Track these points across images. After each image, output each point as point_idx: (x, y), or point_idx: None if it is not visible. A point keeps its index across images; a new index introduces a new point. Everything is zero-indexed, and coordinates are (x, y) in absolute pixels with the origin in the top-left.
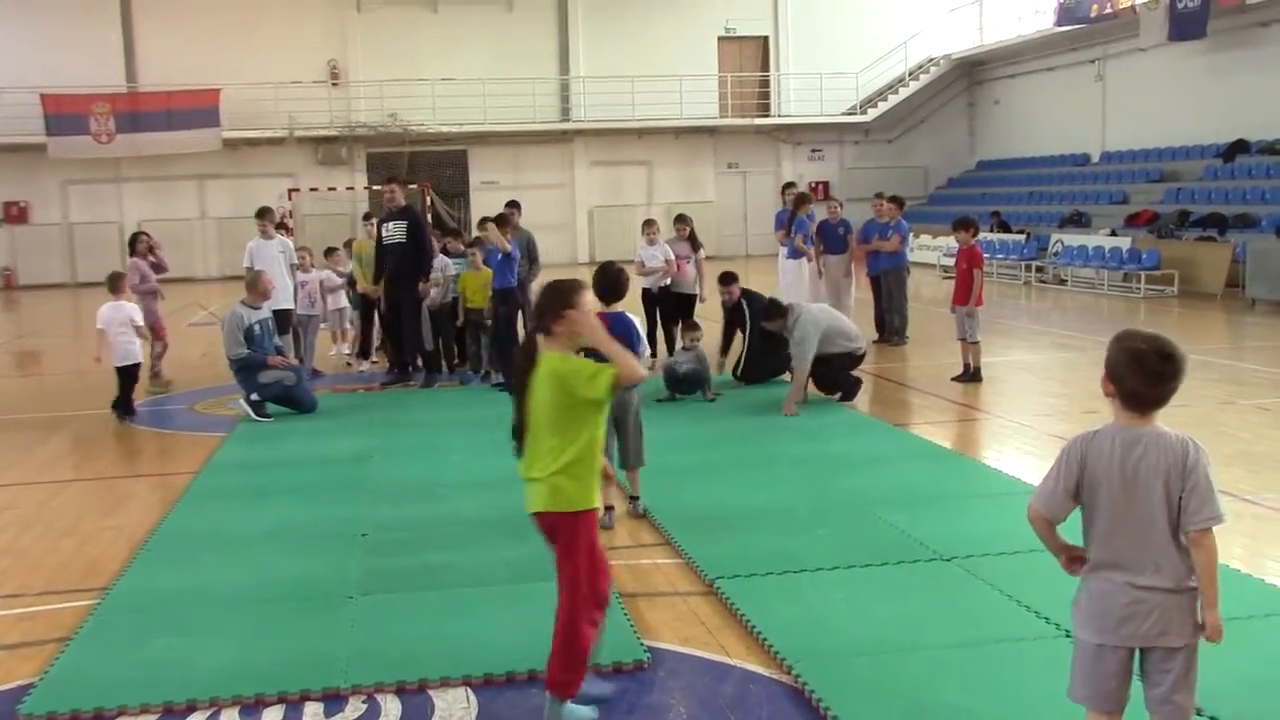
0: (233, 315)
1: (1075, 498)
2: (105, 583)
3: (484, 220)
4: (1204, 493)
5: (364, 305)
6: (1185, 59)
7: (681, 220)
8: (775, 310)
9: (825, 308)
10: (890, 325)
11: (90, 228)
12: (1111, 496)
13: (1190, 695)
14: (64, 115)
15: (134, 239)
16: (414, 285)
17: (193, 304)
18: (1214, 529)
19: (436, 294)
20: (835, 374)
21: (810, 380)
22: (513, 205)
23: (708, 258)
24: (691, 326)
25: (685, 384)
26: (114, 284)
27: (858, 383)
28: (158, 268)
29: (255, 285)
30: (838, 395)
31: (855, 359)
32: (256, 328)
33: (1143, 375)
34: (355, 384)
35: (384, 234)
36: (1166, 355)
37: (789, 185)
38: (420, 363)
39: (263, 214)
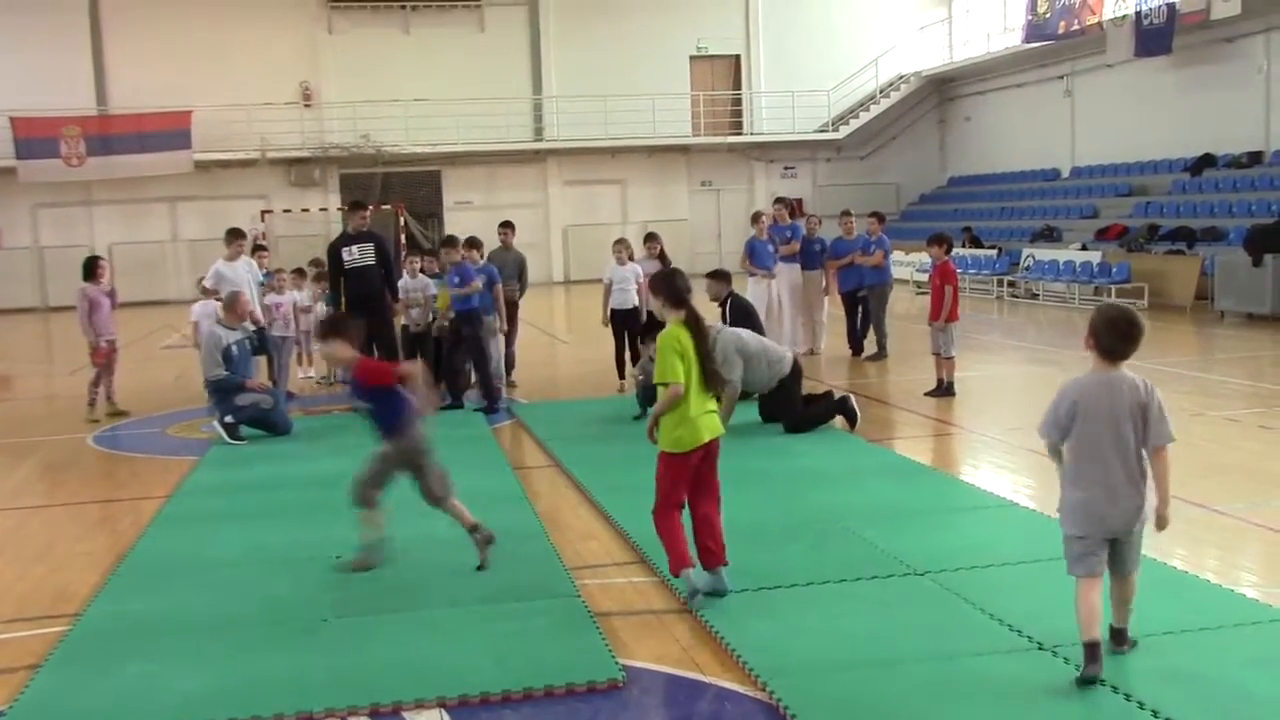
0: (210, 336)
1: (1068, 427)
2: (77, 609)
3: (469, 240)
4: (1159, 417)
5: None
6: (1152, 75)
7: (651, 239)
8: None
9: (743, 332)
10: (876, 342)
11: (61, 251)
12: (1098, 425)
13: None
14: (34, 138)
15: (91, 264)
16: (384, 307)
17: (165, 327)
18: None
19: (418, 315)
20: (783, 405)
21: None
22: (507, 226)
23: None
24: (653, 339)
25: (652, 395)
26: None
27: (834, 408)
28: (110, 296)
29: (233, 306)
30: (844, 423)
31: (793, 380)
32: (234, 349)
33: (1115, 335)
34: (329, 405)
35: (347, 257)
36: (1132, 322)
37: (779, 200)
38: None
39: (234, 235)
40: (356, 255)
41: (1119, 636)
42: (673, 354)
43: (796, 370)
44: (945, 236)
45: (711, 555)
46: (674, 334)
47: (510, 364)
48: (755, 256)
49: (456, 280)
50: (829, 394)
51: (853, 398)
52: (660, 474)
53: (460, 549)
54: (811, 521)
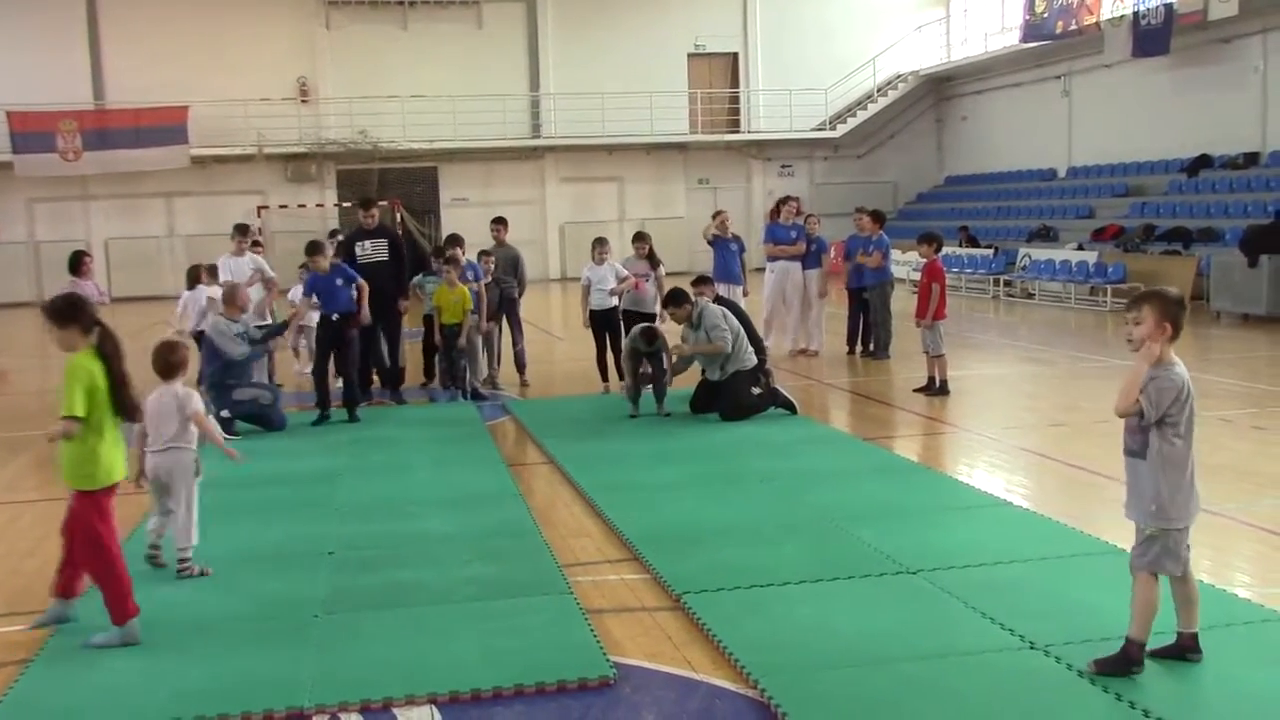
0: (215, 326)
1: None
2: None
3: (451, 236)
4: None
5: None
6: (1149, 75)
7: (640, 238)
8: (679, 297)
9: (728, 312)
10: (876, 340)
11: (57, 246)
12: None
13: None
14: (30, 133)
15: (78, 259)
16: (394, 303)
17: (160, 322)
18: None
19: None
20: (726, 394)
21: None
22: (499, 222)
23: (677, 273)
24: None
25: (648, 347)
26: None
27: (761, 403)
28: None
29: (233, 298)
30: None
31: (752, 374)
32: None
33: (1183, 312)
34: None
35: (359, 252)
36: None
37: (786, 199)
38: (382, 380)
39: (240, 231)
40: (370, 251)
41: (1193, 642)
42: (78, 385)
43: (756, 370)
44: (935, 235)
45: (75, 586)
46: (80, 363)
47: (520, 362)
48: (726, 268)
49: (339, 282)
50: (769, 387)
51: (783, 389)
52: (89, 517)
53: (452, 545)
54: (805, 520)
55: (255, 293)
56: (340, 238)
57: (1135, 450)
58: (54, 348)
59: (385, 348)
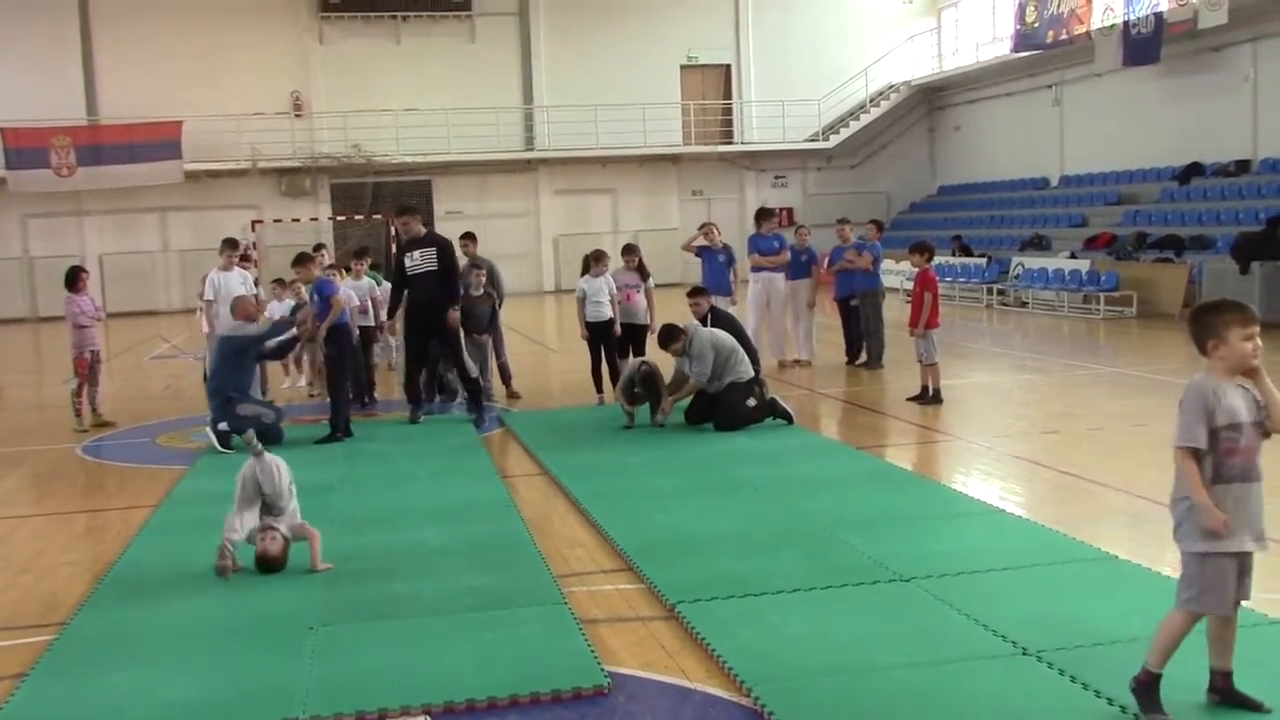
0: (232, 327)
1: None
2: (63, 618)
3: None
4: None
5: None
6: (1140, 83)
7: (630, 250)
8: (672, 334)
9: (719, 331)
10: (869, 350)
11: (51, 261)
12: None
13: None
14: (24, 149)
15: (75, 275)
16: (444, 313)
17: (155, 337)
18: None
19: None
20: (722, 405)
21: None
22: (467, 237)
23: (669, 285)
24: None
25: (643, 389)
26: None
27: (757, 414)
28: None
29: (237, 310)
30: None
31: (747, 386)
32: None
33: None
34: (317, 415)
35: (409, 264)
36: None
37: (767, 212)
38: (456, 390)
39: (229, 245)
40: (419, 261)
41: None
42: None
43: (752, 383)
44: (927, 245)
45: None
46: None
47: (506, 374)
48: (714, 278)
49: (317, 298)
50: (766, 398)
51: (781, 400)
52: None
53: (447, 556)
54: (799, 528)
55: None
56: (325, 250)
57: (1260, 471)
58: (48, 364)
59: (392, 358)
